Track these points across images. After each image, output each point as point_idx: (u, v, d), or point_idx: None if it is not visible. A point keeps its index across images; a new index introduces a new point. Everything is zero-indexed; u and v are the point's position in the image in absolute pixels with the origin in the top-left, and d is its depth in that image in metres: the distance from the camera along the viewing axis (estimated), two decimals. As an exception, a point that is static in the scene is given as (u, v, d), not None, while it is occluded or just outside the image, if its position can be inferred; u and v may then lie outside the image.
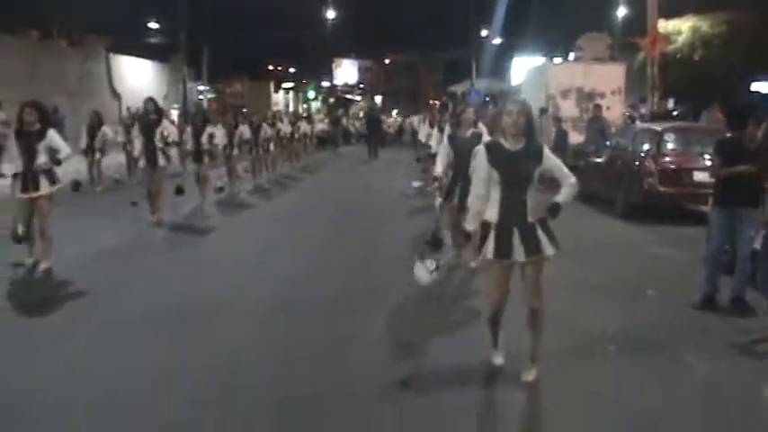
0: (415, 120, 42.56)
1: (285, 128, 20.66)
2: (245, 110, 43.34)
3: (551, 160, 4.70)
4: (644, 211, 11.26)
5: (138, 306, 6.55)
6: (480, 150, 4.77)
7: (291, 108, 52.57)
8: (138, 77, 33.01)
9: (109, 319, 6.19)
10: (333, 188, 18.06)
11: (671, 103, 26.15)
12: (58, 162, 7.82)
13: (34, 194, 7.68)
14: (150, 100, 11.53)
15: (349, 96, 73.18)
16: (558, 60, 28.14)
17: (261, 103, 43.62)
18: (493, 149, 4.69)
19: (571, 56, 26.39)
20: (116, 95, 29.57)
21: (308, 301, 6.88)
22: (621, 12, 31.49)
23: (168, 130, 11.31)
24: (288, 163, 21.29)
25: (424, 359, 5.29)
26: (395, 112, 44.17)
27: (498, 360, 4.92)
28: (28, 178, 7.67)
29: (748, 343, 5.52)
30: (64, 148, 7.88)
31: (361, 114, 52.18)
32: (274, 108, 42.43)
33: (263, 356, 5.33)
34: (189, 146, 13.48)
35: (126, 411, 4.35)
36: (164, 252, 9.65)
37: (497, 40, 46.91)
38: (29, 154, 7.64)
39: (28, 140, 7.66)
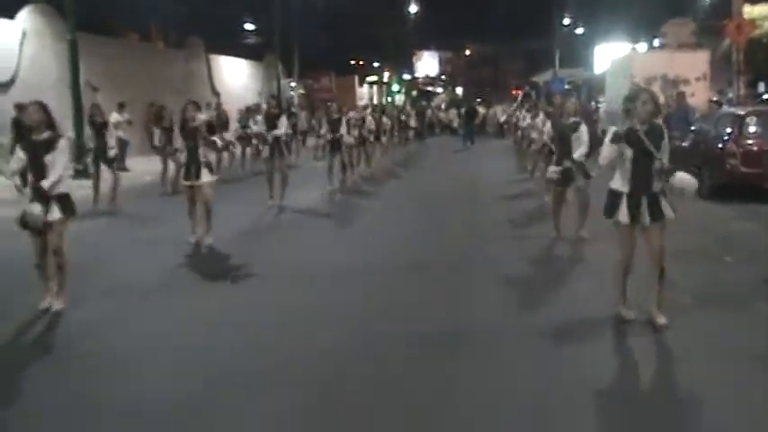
0: (498, 109, 43.25)
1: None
2: (330, 104, 45.24)
3: (666, 139, 5.64)
4: (726, 191, 11.88)
5: (293, 268, 7.98)
6: (612, 130, 5.66)
7: (376, 101, 53.97)
8: (235, 76, 34.90)
9: (280, 276, 7.68)
10: (453, 168, 20.24)
11: (762, 87, 26.08)
12: (218, 151, 9.08)
13: (197, 183, 8.86)
14: (272, 97, 12.97)
15: (430, 88, 74.10)
16: (642, 47, 28.42)
17: (347, 97, 45.09)
18: (627, 132, 5.54)
19: (656, 42, 26.68)
20: (216, 93, 31.39)
21: (435, 262, 8.34)
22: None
23: (283, 123, 12.52)
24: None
25: (552, 309, 6.32)
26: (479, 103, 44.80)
27: (629, 314, 5.77)
28: (191, 168, 8.87)
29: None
30: (218, 141, 9.20)
31: (443, 106, 53.07)
32: (360, 102, 43.90)
33: (408, 303, 6.66)
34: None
35: (309, 332, 5.77)
36: (309, 227, 11.09)
37: (580, 29, 46.96)
38: (192, 146, 8.87)
39: (191, 135, 8.92)
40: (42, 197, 6.08)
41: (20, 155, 6.22)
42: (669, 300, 5.76)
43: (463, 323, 6.05)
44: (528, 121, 16.90)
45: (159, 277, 7.67)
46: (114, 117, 18.69)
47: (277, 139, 11.99)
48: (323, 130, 14.67)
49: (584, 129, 8.91)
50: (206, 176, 8.89)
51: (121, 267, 8.14)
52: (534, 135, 12.66)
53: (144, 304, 6.76)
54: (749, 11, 21.57)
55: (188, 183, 8.95)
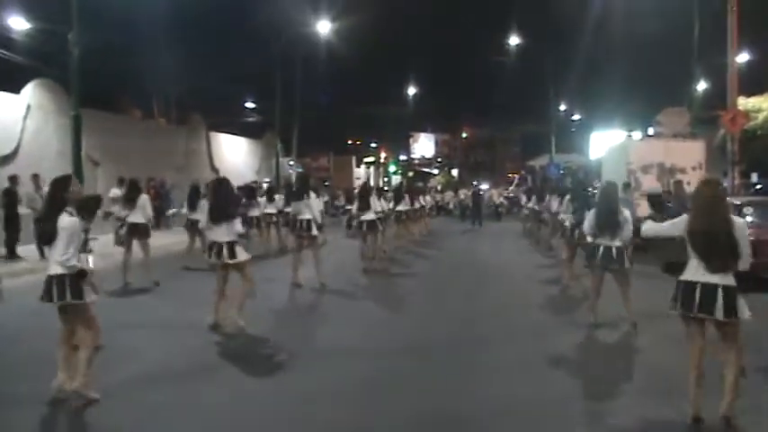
0: (494, 192, 43.65)
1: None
2: (327, 183, 45.79)
3: None
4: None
5: (311, 348, 7.98)
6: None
7: (372, 181, 54.54)
8: (234, 153, 35.28)
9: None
10: (469, 248, 20.11)
11: (755, 177, 26.35)
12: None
13: (231, 261, 8.50)
14: (301, 176, 12.95)
15: (426, 169, 74.98)
16: (636, 135, 28.84)
17: (344, 176, 45.62)
18: None
19: (650, 131, 27.08)
20: (215, 170, 31.63)
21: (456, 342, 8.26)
22: (701, 86, 31.94)
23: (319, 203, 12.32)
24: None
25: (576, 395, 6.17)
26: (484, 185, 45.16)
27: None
28: (233, 245, 8.50)
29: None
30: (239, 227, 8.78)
31: (440, 188, 53.60)
32: (357, 181, 44.30)
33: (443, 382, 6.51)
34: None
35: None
36: (331, 307, 10.72)
37: (575, 116, 47.87)
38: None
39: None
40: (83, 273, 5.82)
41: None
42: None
43: (479, 403, 5.97)
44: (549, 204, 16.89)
45: (183, 362, 7.39)
46: (113, 192, 18.74)
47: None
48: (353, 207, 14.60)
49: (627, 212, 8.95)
50: (242, 254, 8.60)
51: (141, 350, 7.82)
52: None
53: (167, 392, 6.39)
54: (743, 103, 22.02)
55: (232, 261, 8.51)
